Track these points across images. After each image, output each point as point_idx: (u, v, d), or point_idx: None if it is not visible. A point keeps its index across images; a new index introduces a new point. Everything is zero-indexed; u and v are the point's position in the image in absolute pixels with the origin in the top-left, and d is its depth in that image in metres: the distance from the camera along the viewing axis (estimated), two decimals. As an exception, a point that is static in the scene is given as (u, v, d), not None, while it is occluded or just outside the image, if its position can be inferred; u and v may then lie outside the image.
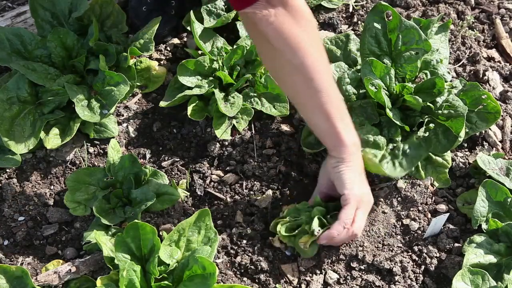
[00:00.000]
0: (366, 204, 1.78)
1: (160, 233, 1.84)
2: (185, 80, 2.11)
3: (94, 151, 2.09)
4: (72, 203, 1.89)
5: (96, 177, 1.92)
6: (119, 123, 2.16)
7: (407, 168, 1.88)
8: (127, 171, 1.91)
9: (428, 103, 1.98)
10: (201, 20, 2.26)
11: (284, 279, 1.81)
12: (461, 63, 2.35)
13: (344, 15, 2.52)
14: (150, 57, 2.29)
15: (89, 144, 2.09)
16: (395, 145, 1.94)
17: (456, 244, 1.86)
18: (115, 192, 1.87)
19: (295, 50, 1.65)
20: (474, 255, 1.75)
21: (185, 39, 2.42)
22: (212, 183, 2.02)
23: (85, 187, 1.91)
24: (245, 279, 1.81)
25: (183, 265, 1.63)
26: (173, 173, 2.04)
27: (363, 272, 1.83)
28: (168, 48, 2.39)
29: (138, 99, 2.24)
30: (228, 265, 1.84)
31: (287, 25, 1.62)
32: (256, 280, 1.80)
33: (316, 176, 2.03)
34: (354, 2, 2.55)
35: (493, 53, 2.44)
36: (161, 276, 1.64)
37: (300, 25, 1.64)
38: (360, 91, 2.06)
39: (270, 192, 1.99)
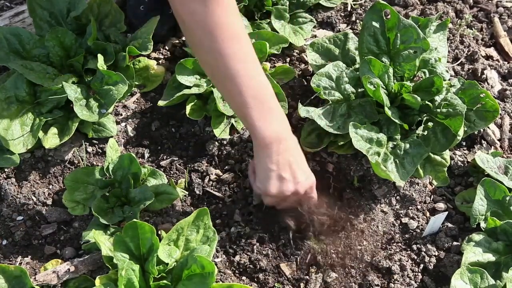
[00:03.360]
0: (284, 202, 1.78)
1: (159, 232, 1.84)
2: (184, 79, 2.11)
3: (93, 150, 2.08)
4: (71, 203, 1.89)
5: (94, 177, 1.92)
6: (117, 123, 2.16)
7: (410, 169, 1.88)
8: (126, 170, 1.91)
9: (427, 102, 1.98)
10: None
11: (283, 278, 1.81)
12: (459, 61, 2.35)
13: (342, 14, 2.52)
14: (149, 56, 2.29)
15: (87, 144, 2.09)
16: (395, 143, 1.94)
17: (455, 243, 1.86)
18: (113, 191, 1.87)
19: (207, 31, 1.53)
20: (473, 253, 1.75)
21: (183, 38, 2.42)
22: (211, 182, 2.02)
23: (83, 186, 1.90)
24: (244, 278, 1.81)
25: (182, 264, 1.62)
26: (172, 172, 2.04)
27: (362, 271, 1.84)
28: (167, 47, 2.39)
29: (137, 99, 2.24)
30: (227, 264, 1.84)
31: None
32: (255, 279, 1.80)
33: (316, 175, 2.03)
34: (353, 1, 2.55)
35: (492, 51, 2.44)
36: (160, 276, 1.64)
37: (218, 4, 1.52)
38: (359, 90, 2.06)
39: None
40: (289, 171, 1.70)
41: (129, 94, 2.22)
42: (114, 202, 1.87)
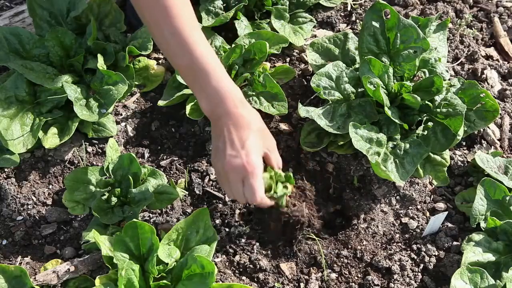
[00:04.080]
0: (234, 174, 1.60)
1: (159, 232, 1.84)
2: (184, 79, 2.11)
3: (93, 150, 2.08)
4: (71, 203, 1.88)
5: (94, 177, 1.92)
6: (117, 122, 2.16)
7: (410, 169, 1.88)
8: (126, 170, 1.91)
9: (427, 102, 1.99)
10: (199, 19, 2.26)
11: (283, 278, 1.81)
12: (459, 61, 2.35)
13: (342, 14, 2.52)
14: (149, 56, 2.29)
15: (87, 144, 2.09)
16: (395, 143, 1.95)
17: (455, 243, 1.87)
18: (113, 191, 1.87)
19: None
20: (473, 253, 1.75)
21: (183, 38, 2.42)
22: (211, 182, 2.02)
23: (83, 186, 1.90)
24: (244, 278, 1.81)
25: (181, 264, 1.63)
26: (172, 172, 2.04)
27: (362, 271, 1.84)
28: (167, 47, 2.38)
29: (137, 98, 2.24)
30: (227, 264, 1.84)
31: None
32: (255, 279, 1.80)
33: (316, 175, 2.04)
34: (353, 1, 2.55)
35: (491, 51, 2.44)
36: (159, 275, 1.64)
37: None
38: (359, 90, 2.06)
39: (268, 191, 1.99)
40: (229, 141, 1.61)
41: (129, 94, 2.22)
42: (114, 202, 1.87)
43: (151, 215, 1.93)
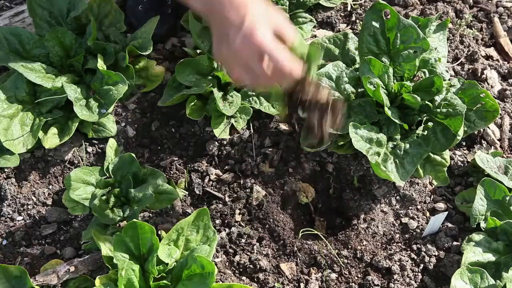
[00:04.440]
0: (237, 59, 1.46)
1: (159, 232, 1.84)
2: (184, 79, 2.11)
3: (93, 150, 2.08)
4: (71, 203, 1.88)
5: (94, 177, 1.92)
6: (117, 123, 2.15)
7: (410, 169, 1.87)
8: (126, 170, 1.91)
9: (427, 102, 1.99)
10: (199, 19, 2.26)
11: (283, 278, 1.81)
12: (459, 61, 2.35)
13: (342, 14, 2.52)
14: (149, 56, 2.29)
15: (87, 144, 2.09)
16: (395, 143, 1.95)
17: (455, 243, 1.87)
18: (113, 191, 1.87)
19: None
20: (473, 253, 1.75)
21: (183, 38, 2.42)
22: (211, 182, 2.02)
23: (83, 186, 1.90)
24: (244, 278, 1.81)
25: (181, 264, 1.63)
26: (172, 172, 2.04)
27: (362, 271, 1.84)
28: (167, 47, 2.39)
29: (137, 99, 2.23)
30: (227, 264, 1.84)
31: None
32: (255, 279, 1.80)
33: (316, 175, 2.04)
34: (353, 1, 2.55)
35: (491, 51, 2.44)
36: (160, 276, 1.64)
37: None
38: (359, 90, 2.06)
39: (269, 191, 1.99)
40: (220, 33, 1.51)
41: (129, 94, 2.22)
42: (114, 202, 1.87)
43: (151, 215, 1.93)
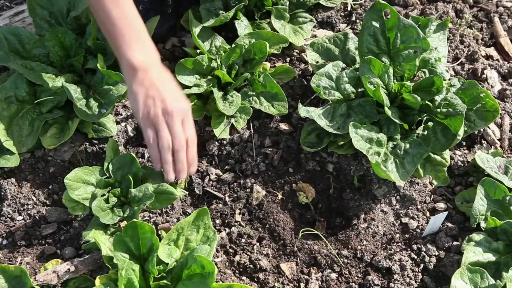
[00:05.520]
0: (159, 118, 1.70)
1: (159, 232, 1.84)
2: (184, 79, 2.11)
3: (93, 150, 2.08)
4: (71, 202, 1.88)
5: (94, 177, 1.92)
6: (117, 122, 2.15)
7: (410, 169, 1.87)
8: (126, 170, 1.91)
9: (427, 102, 1.99)
10: (199, 19, 2.26)
11: (283, 278, 1.81)
12: (459, 61, 2.35)
13: (342, 14, 2.52)
14: (149, 56, 2.29)
15: (87, 144, 2.09)
16: (395, 143, 1.94)
17: (455, 243, 1.86)
18: (113, 191, 1.87)
19: None
20: (473, 253, 1.75)
21: (183, 38, 2.42)
22: (211, 182, 2.02)
23: (83, 186, 1.90)
24: (244, 278, 1.81)
25: (182, 264, 1.62)
26: (172, 172, 2.04)
27: (362, 271, 1.84)
28: (167, 47, 2.39)
29: (137, 98, 2.23)
30: (227, 264, 1.84)
31: None
32: (255, 279, 1.80)
33: (316, 175, 2.04)
34: (353, 1, 2.55)
35: (492, 51, 2.44)
36: (160, 275, 1.64)
37: None
38: (359, 90, 2.06)
39: (269, 191, 1.99)
40: (156, 91, 1.73)
41: (129, 94, 2.22)
42: (114, 202, 1.87)
43: (151, 215, 1.93)
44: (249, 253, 1.85)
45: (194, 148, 1.78)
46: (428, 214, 1.95)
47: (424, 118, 2.00)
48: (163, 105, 1.71)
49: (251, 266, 1.82)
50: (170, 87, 1.77)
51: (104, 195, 1.88)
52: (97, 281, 1.64)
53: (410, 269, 1.82)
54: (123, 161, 1.91)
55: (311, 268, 1.85)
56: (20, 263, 1.83)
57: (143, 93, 1.72)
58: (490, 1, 2.62)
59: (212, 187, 2.01)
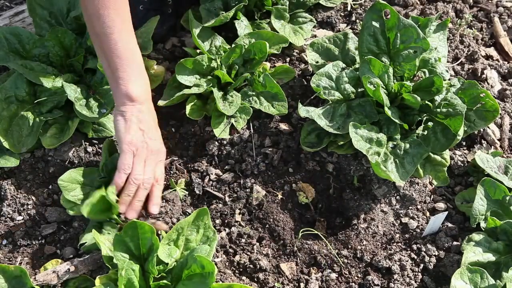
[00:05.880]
0: (142, 151, 1.80)
1: (159, 232, 1.84)
2: (184, 79, 2.11)
3: (93, 150, 2.08)
4: (68, 203, 1.88)
5: (90, 177, 1.91)
6: (117, 122, 2.15)
7: (410, 169, 1.87)
8: None
9: (427, 102, 1.98)
10: (199, 19, 2.26)
11: (283, 278, 1.81)
12: (459, 61, 2.35)
13: (342, 14, 2.52)
14: (149, 56, 2.29)
15: (87, 144, 2.09)
16: (395, 143, 1.94)
17: (455, 243, 1.86)
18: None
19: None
20: (473, 253, 1.75)
21: (183, 38, 2.42)
22: (211, 182, 2.02)
23: (80, 186, 1.90)
24: (244, 278, 1.81)
25: (182, 264, 1.62)
26: (172, 172, 2.04)
27: (362, 271, 1.84)
28: (167, 47, 2.39)
29: (137, 98, 2.23)
30: (227, 264, 1.84)
31: None
32: (255, 279, 1.80)
33: (316, 175, 2.03)
34: (352, 1, 2.55)
35: (491, 51, 2.44)
36: (160, 275, 1.64)
37: None
38: (359, 90, 2.06)
39: (269, 190, 1.99)
40: (147, 127, 1.83)
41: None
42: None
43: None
44: (249, 253, 1.85)
45: (161, 189, 1.86)
46: (428, 214, 1.95)
47: (424, 118, 2.00)
48: (150, 143, 1.81)
49: (251, 266, 1.82)
50: (156, 127, 1.89)
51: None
52: (97, 281, 1.64)
53: (410, 269, 1.82)
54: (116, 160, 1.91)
55: (311, 268, 1.85)
56: (20, 263, 1.83)
57: (136, 123, 1.79)
58: (490, 1, 2.62)
59: (212, 187, 2.01)
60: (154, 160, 1.84)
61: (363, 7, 2.53)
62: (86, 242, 1.80)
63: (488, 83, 2.27)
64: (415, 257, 1.85)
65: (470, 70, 2.30)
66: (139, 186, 1.78)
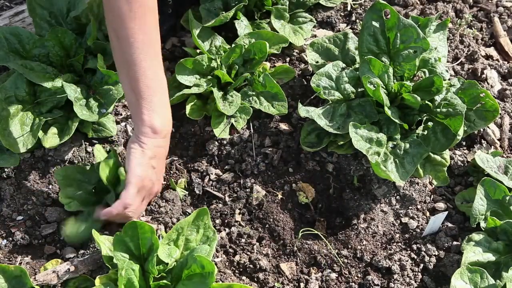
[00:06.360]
0: (144, 189, 1.78)
1: (159, 232, 1.84)
2: (184, 79, 2.11)
3: (93, 150, 2.08)
4: (66, 199, 1.88)
5: (87, 174, 1.92)
6: (117, 122, 2.15)
7: (410, 169, 1.87)
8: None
9: (427, 102, 1.99)
10: (199, 19, 2.26)
11: (283, 278, 1.81)
12: (459, 61, 2.35)
13: (342, 14, 2.52)
14: (149, 56, 2.29)
15: (87, 143, 2.09)
16: (395, 143, 1.94)
17: (455, 243, 1.86)
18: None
19: (115, 17, 1.68)
20: (473, 253, 1.75)
21: (183, 38, 2.42)
22: (211, 182, 2.02)
23: (76, 183, 1.90)
24: (244, 278, 1.81)
25: (181, 264, 1.62)
26: (172, 172, 2.04)
27: (362, 271, 1.84)
28: (167, 47, 2.39)
29: (137, 98, 2.23)
30: (227, 264, 1.84)
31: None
32: (255, 279, 1.80)
33: (316, 175, 2.04)
34: (352, 1, 2.55)
35: (491, 51, 2.44)
36: (159, 275, 1.64)
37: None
38: (359, 90, 2.06)
39: (269, 190, 1.99)
40: (155, 163, 1.80)
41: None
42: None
43: (152, 214, 1.93)
44: (249, 253, 1.85)
45: (132, 217, 1.82)
46: (428, 214, 1.95)
47: (424, 118, 2.00)
48: (156, 184, 1.84)
49: (251, 266, 1.82)
50: (164, 163, 1.90)
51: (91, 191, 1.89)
52: (97, 281, 1.64)
53: (410, 269, 1.82)
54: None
55: (311, 268, 1.85)
56: (20, 263, 1.83)
57: (151, 158, 1.77)
58: (490, 1, 2.62)
59: (212, 187, 2.01)
60: (150, 199, 1.87)
61: (363, 7, 2.53)
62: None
63: (488, 83, 2.27)
64: (415, 257, 1.85)
65: (470, 70, 2.30)
66: (125, 216, 1.79)
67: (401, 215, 1.95)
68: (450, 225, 1.91)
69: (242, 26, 2.27)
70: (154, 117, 1.74)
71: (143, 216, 1.91)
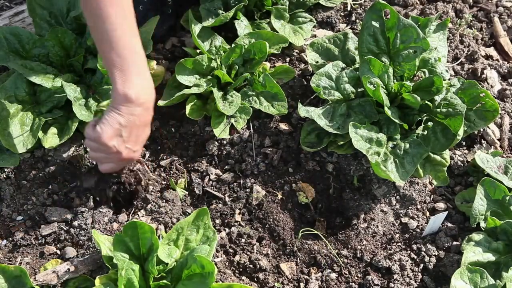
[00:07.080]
0: (111, 158, 1.76)
1: (159, 232, 1.84)
2: (184, 79, 2.11)
3: (93, 150, 2.08)
4: None
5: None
6: (117, 122, 2.15)
7: (410, 169, 1.87)
8: None
9: (427, 102, 1.99)
10: (199, 19, 2.26)
11: (283, 278, 1.81)
12: (459, 61, 2.35)
13: (342, 14, 2.52)
14: (149, 56, 2.29)
15: (87, 144, 2.09)
16: (395, 143, 1.95)
17: (455, 242, 1.87)
18: None
19: None
20: (473, 253, 1.75)
21: (183, 38, 2.42)
22: (211, 182, 2.02)
23: None
24: (244, 278, 1.81)
25: (181, 264, 1.62)
26: (172, 172, 2.04)
27: (362, 271, 1.84)
28: (166, 47, 2.39)
29: (137, 98, 2.23)
30: (227, 264, 1.84)
31: None
32: (255, 279, 1.80)
33: (316, 175, 2.04)
34: (352, 1, 2.55)
35: (491, 51, 2.44)
36: (159, 275, 1.64)
37: None
38: (359, 90, 2.06)
39: (269, 190, 1.99)
40: (128, 134, 1.73)
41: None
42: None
43: (152, 214, 1.93)
44: (249, 253, 1.85)
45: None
46: (428, 214, 1.95)
47: (424, 118, 2.00)
48: (126, 153, 1.74)
49: (251, 266, 1.82)
50: (142, 134, 1.78)
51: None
52: (97, 281, 1.64)
53: (410, 269, 1.82)
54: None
55: (311, 268, 1.85)
56: (20, 263, 1.83)
57: (121, 125, 1.70)
58: (490, 1, 2.62)
59: (212, 187, 2.01)
60: (119, 165, 1.84)
61: (363, 7, 2.53)
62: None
63: (488, 83, 2.27)
64: (415, 257, 1.85)
65: (470, 70, 2.30)
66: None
67: (401, 215, 1.95)
68: (450, 225, 1.91)
69: (242, 26, 2.27)
70: (127, 86, 1.70)
71: (143, 216, 1.91)
